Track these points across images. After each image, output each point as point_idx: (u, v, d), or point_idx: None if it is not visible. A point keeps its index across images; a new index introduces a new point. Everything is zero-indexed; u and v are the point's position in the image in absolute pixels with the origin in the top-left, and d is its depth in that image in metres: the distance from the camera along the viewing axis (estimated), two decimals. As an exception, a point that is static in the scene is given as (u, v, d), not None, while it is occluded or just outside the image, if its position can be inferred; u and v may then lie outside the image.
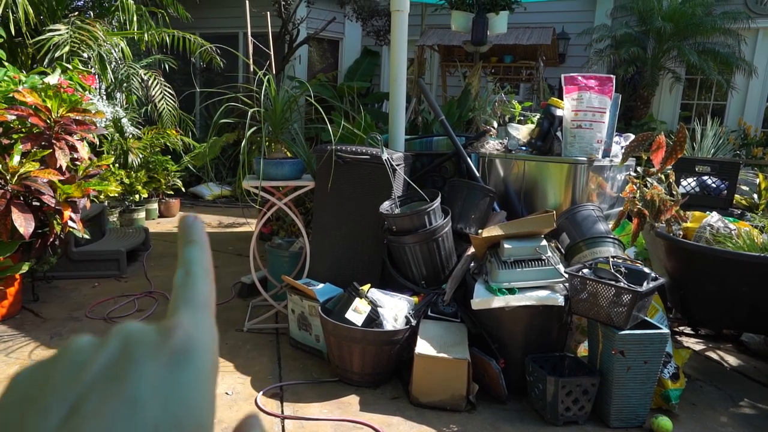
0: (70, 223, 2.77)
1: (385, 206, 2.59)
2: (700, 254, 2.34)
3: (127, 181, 4.78)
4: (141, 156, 4.99)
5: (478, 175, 2.94)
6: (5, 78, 2.91)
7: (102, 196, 4.02)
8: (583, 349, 2.32)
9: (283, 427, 1.99)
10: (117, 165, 4.77)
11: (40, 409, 0.18)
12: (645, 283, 2.02)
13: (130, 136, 4.88)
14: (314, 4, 6.75)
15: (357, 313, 2.28)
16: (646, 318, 2.11)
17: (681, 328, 3.04)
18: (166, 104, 5.20)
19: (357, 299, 2.32)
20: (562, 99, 2.80)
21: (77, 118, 2.86)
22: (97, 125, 3.03)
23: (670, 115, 6.57)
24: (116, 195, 4.42)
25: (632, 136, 2.83)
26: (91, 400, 0.18)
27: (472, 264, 2.46)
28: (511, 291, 2.19)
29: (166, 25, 5.01)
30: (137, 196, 4.90)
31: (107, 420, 0.17)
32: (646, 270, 2.11)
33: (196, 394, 0.20)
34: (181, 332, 0.21)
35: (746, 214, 3.00)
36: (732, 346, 2.87)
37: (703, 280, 2.39)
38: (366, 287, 2.42)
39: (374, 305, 2.32)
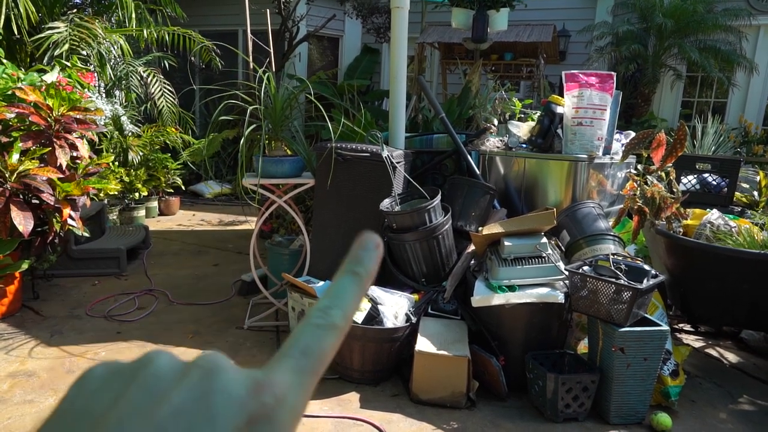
0: (69, 221, 2.77)
1: (386, 204, 2.59)
2: (700, 251, 2.33)
3: (126, 179, 4.77)
4: (141, 154, 4.98)
5: (478, 172, 2.93)
6: (4, 75, 2.90)
7: (102, 194, 4.02)
8: (583, 347, 2.33)
9: (283, 424, 1.99)
10: (117, 163, 4.77)
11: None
12: (645, 281, 2.02)
13: (130, 134, 4.88)
14: (314, 2, 6.73)
15: (357, 310, 2.28)
16: (646, 315, 2.11)
17: (681, 325, 3.04)
18: (166, 102, 5.19)
19: (357, 297, 2.31)
20: (562, 96, 2.79)
21: (78, 116, 2.86)
22: (97, 123, 3.03)
23: (671, 112, 6.56)
24: (116, 193, 4.42)
25: (633, 134, 2.83)
26: None
27: (472, 261, 2.46)
28: (512, 288, 2.19)
29: (165, 23, 5.00)
30: (137, 194, 4.89)
31: None
32: (646, 267, 2.11)
33: None
34: (268, 396, 0.19)
35: (746, 212, 3.00)
36: (731, 343, 2.87)
37: (703, 277, 2.39)
38: (366, 285, 2.41)
39: (374, 303, 2.32)
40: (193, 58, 5.40)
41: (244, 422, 0.18)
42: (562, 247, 2.51)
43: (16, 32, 3.84)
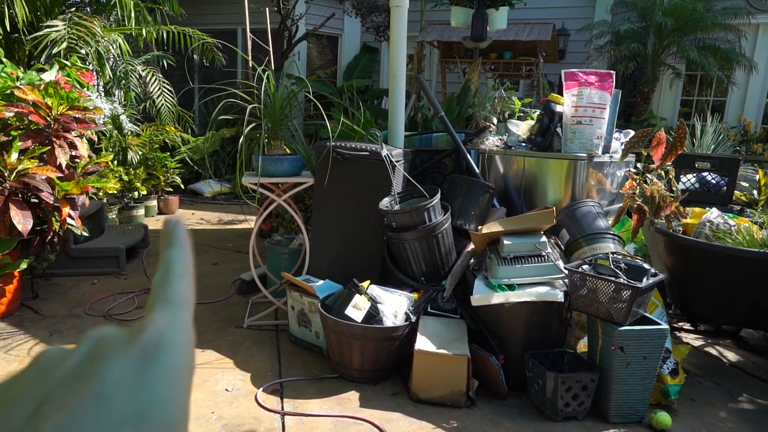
0: (68, 220, 2.77)
1: (385, 203, 2.59)
2: (699, 250, 2.34)
3: (126, 178, 4.77)
4: (140, 153, 4.98)
5: (477, 171, 2.93)
6: (2, 74, 2.89)
7: (101, 193, 4.02)
8: (582, 345, 2.33)
9: (283, 423, 1.99)
10: (116, 162, 4.76)
11: (4, 411, 0.18)
12: (645, 279, 2.02)
13: (129, 132, 4.87)
14: (313, 0, 6.73)
15: (357, 309, 2.28)
16: (645, 314, 2.12)
17: (680, 324, 3.04)
18: (165, 101, 5.18)
19: (357, 296, 2.32)
20: (561, 95, 2.79)
21: (77, 115, 2.85)
22: (96, 122, 3.02)
23: (670, 111, 6.56)
24: (115, 192, 4.41)
25: (632, 133, 2.83)
26: (57, 396, 0.18)
27: (471, 260, 2.46)
28: (511, 287, 2.19)
29: (164, 22, 4.99)
30: (136, 193, 4.89)
31: (71, 414, 0.17)
32: (646, 266, 2.11)
33: (165, 389, 0.20)
34: (152, 329, 0.21)
35: (746, 210, 3.00)
36: (731, 341, 2.88)
37: (702, 276, 2.39)
38: (366, 284, 2.42)
39: (374, 302, 2.32)
40: (195, 56, 5.39)
41: (136, 353, 0.20)
42: (562, 246, 2.51)
43: (10, 30, 3.84)
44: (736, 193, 3.21)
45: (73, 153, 2.86)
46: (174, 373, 0.20)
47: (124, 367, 0.19)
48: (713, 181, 3.20)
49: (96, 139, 3.79)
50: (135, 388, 0.19)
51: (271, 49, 4.02)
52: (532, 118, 3.24)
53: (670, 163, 2.47)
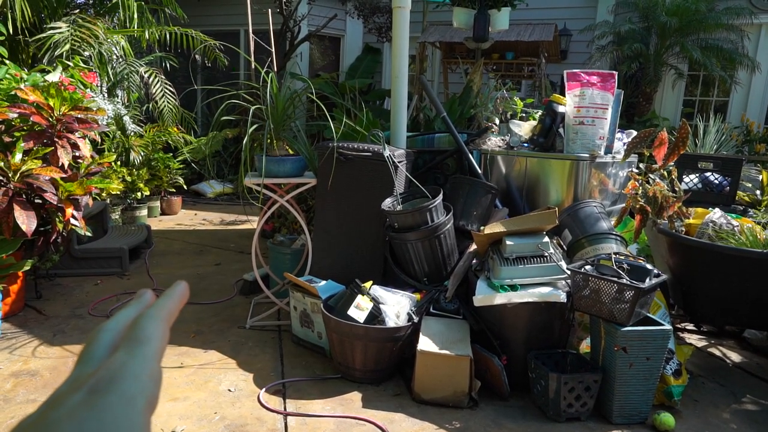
0: (72, 220, 2.77)
1: (387, 203, 2.59)
2: (702, 251, 2.33)
3: (128, 178, 4.78)
4: (143, 154, 4.99)
5: (480, 171, 2.93)
6: (7, 76, 2.91)
7: (104, 194, 4.03)
8: (585, 346, 2.32)
9: (285, 423, 2.00)
10: (119, 163, 4.78)
11: None
12: (647, 280, 2.01)
13: (132, 133, 4.88)
14: (315, 1, 6.74)
15: (359, 309, 2.28)
16: (648, 314, 2.11)
17: (683, 324, 3.04)
18: (167, 102, 5.20)
19: (359, 296, 2.32)
20: (564, 95, 2.79)
21: (79, 116, 2.86)
22: (99, 123, 3.03)
23: (673, 111, 6.55)
24: (118, 193, 4.42)
25: (634, 133, 2.83)
26: None
27: (474, 261, 2.46)
28: (513, 288, 2.19)
29: (167, 23, 5.01)
30: (139, 194, 4.90)
31: None
32: (649, 266, 2.11)
33: (114, 415, 0.22)
34: (102, 370, 0.24)
35: (749, 211, 2.99)
36: (734, 342, 2.87)
37: (705, 276, 2.38)
38: (368, 284, 2.42)
39: (376, 302, 2.32)
40: (197, 57, 5.41)
41: (86, 390, 0.23)
42: (564, 247, 2.51)
43: (11, 32, 3.85)
44: (739, 193, 3.20)
45: (76, 153, 2.87)
46: (125, 401, 0.23)
47: (73, 401, 0.22)
48: (716, 182, 3.20)
49: (99, 139, 3.80)
50: (83, 417, 0.22)
51: (273, 50, 4.02)
52: (534, 119, 3.24)
53: (672, 164, 2.47)
